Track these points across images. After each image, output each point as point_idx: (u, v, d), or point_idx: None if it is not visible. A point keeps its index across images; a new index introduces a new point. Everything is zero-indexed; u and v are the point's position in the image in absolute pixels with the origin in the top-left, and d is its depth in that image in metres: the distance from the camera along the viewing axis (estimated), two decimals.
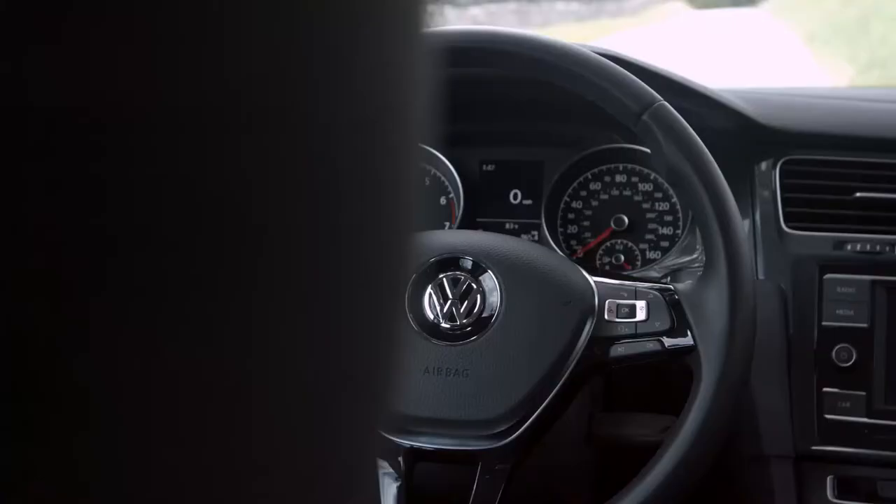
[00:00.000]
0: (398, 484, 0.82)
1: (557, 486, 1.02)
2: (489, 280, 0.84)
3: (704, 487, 1.16)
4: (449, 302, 0.84)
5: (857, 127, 1.07)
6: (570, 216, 1.16)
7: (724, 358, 0.79)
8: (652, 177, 1.13)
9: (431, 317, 0.84)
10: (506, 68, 0.87)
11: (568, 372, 0.81)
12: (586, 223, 1.16)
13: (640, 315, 0.83)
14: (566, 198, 1.16)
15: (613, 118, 0.86)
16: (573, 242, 1.15)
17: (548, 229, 1.13)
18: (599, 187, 1.16)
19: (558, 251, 1.11)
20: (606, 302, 0.83)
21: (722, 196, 0.81)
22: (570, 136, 1.15)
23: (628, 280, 0.86)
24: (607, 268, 1.14)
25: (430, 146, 1.16)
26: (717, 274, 0.80)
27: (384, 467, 0.83)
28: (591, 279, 0.85)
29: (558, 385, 0.81)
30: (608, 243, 1.14)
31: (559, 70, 0.85)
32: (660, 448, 0.80)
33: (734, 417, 0.80)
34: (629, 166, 1.14)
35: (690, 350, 0.80)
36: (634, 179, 1.14)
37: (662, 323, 0.82)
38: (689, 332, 0.81)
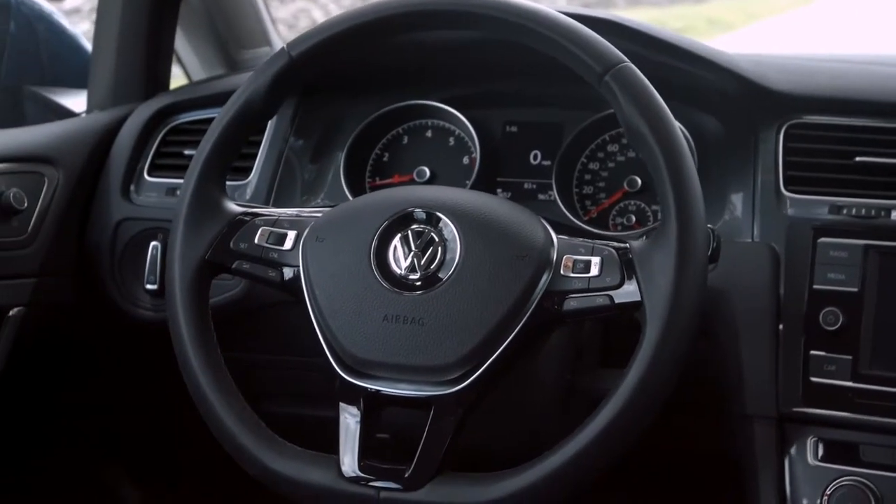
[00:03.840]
0: (359, 427, 0.87)
1: (541, 435, 1.06)
2: (450, 232, 0.89)
3: (688, 446, 1.18)
4: (411, 253, 0.89)
5: (862, 91, 1.05)
6: (587, 177, 1.19)
7: (667, 314, 0.81)
8: None
9: (394, 267, 0.89)
10: (475, 29, 0.90)
11: (521, 323, 0.85)
12: (601, 184, 1.18)
13: (594, 270, 0.85)
14: (583, 159, 1.19)
15: None
16: (588, 203, 1.18)
17: (558, 189, 1.16)
18: (616, 149, 1.18)
19: (566, 212, 1.14)
20: (564, 257, 0.87)
21: (677, 157, 0.83)
22: (593, 98, 1.17)
23: (591, 237, 0.89)
24: (619, 228, 1.16)
25: (454, 108, 1.21)
26: (668, 232, 0.82)
27: (348, 411, 0.88)
28: (554, 235, 0.88)
29: (512, 335, 0.85)
30: (621, 204, 1.17)
31: (526, 31, 0.87)
32: (603, 400, 0.83)
33: (677, 371, 0.82)
34: None
35: (638, 306, 0.83)
36: None
37: (613, 278, 0.84)
38: (637, 288, 0.83)
